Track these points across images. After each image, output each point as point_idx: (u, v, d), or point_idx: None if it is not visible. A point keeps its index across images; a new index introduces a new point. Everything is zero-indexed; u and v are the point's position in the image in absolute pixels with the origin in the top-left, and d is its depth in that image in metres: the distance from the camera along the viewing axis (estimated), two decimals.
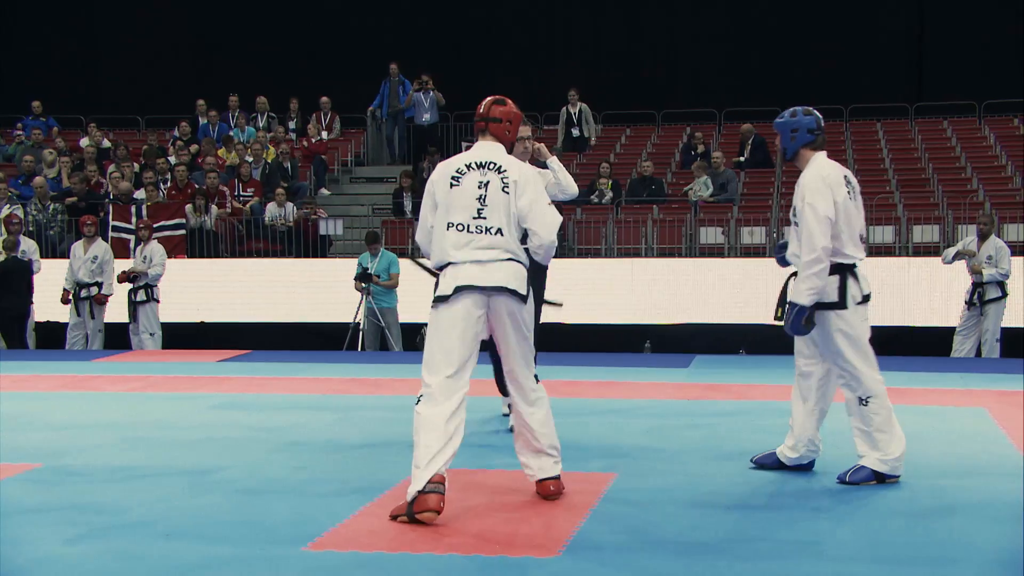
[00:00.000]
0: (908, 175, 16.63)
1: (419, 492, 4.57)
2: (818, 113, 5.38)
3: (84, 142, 18.42)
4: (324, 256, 15.14)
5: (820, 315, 5.28)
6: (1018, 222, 13.88)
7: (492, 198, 4.80)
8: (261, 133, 18.10)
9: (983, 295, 11.53)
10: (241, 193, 16.07)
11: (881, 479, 5.28)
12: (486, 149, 4.93)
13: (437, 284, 4.86)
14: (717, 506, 4.94)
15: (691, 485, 5.32)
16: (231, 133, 18.24)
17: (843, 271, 5.28)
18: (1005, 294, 11.67)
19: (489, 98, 5.07)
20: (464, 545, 4.32)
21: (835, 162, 5.38)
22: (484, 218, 4.79)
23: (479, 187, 4.81)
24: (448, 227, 4.81)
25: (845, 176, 5.31)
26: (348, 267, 13.19)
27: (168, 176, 16.13)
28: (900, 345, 12.13)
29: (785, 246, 5.48)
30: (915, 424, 7.00)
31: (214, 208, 15.32)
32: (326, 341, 13.28)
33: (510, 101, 5.07)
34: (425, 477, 4.58)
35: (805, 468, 5.56)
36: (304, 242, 15.06)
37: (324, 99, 18.92)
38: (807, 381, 5.52)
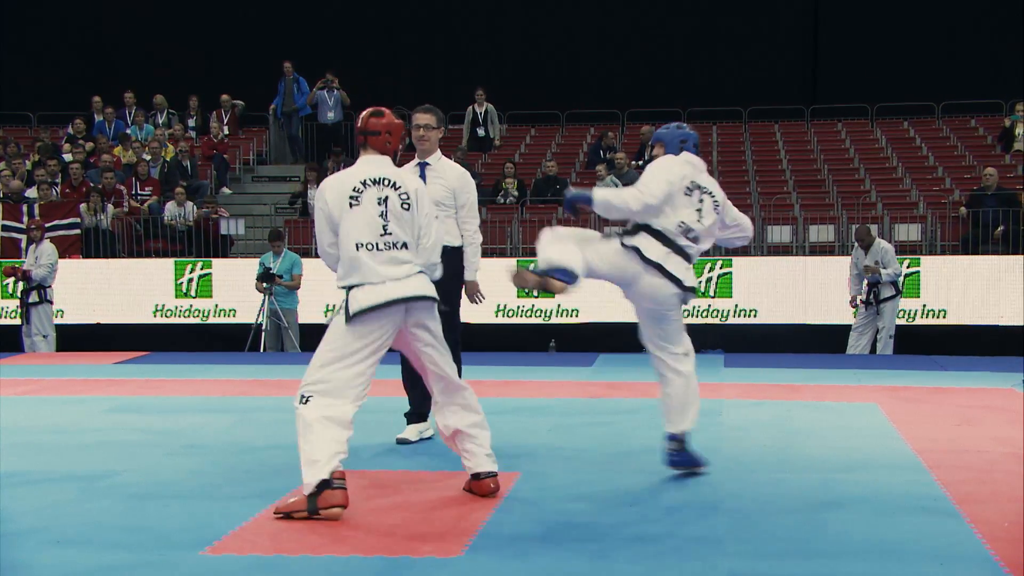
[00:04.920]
0: (804, 176, 17.04)
1: (325, 487, 4.54)
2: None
3: None
4: (225, 256, 14.91)
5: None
6: (908, 222, 14.33)
7: (393, 214, 4.81)
8: (159, 131, 17.73)
9: (878, 294, 11.87)
10: (139, 192, 15.73)
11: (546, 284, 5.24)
12: (375, 164, 4.90)
13: (348, 299, 4.78)
14: (619, 503, 4.99)
15: (593, 483, 5.36)
16: (128, 131, 17.84)
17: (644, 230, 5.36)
18: (899, 292, 12.05)
19: (366, 111, 5.02)
20: (366, 546, 4.29)
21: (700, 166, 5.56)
22: (390, 234, 4.80)
23: (379, 204, 4.80)
24: (358, 248, 4.77)
25: (693, 182, 5.42)
26: (250, 267, 13.01)
27: (61, 174, 15.70)
28: (797, 342, 12.44)
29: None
30: (809, 419, 7.19)
31: (110, 207, 14.97)
32: (228, 343, 13.08)
33: (388, 112, 5.02)
34: (328, 471, 4.56)
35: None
36: (205, 242, 14.81)
37: (225, 96, 18.62)
38: None
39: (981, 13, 20.48)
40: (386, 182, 4.85)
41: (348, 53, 20.87)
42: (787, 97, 20.30)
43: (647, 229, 5.32)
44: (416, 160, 6.66)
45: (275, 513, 4.70)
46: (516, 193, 15.62)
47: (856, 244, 12.05)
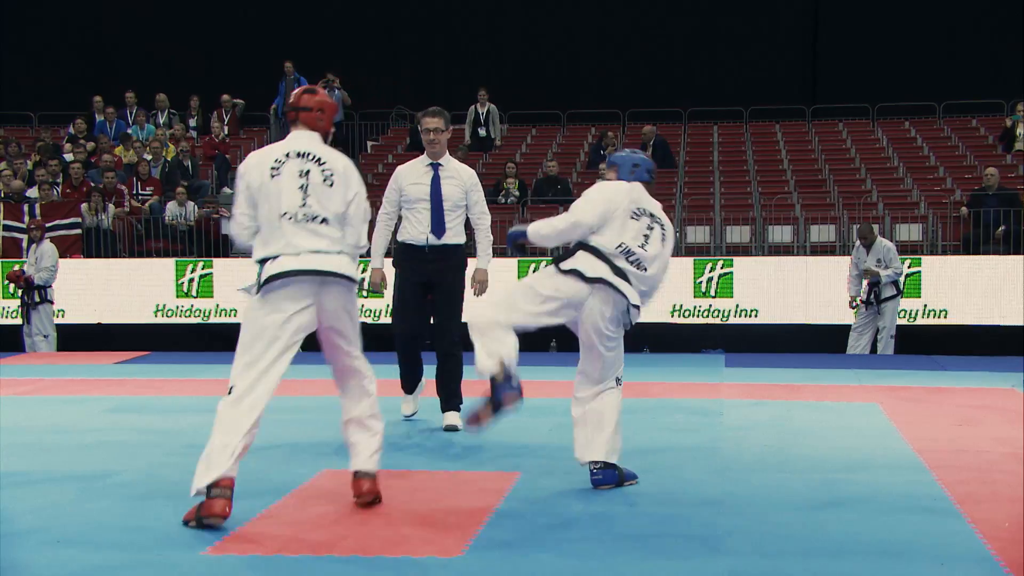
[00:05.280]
0: (805, 176, 17.03)
1: (208, 495, 4.48)
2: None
3: None
4: (226, 256, 14.90)
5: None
6: (909, 222, 14.32)
7: (314, 189, 4.72)
8: (160, 131, 17.73)
9: (879, 294, 11.86)
10: (140, 192, 15.73)
11: (496, 404, 5.12)
12: (303, 139, 4.84)
13: (261, 272, 4.69)
14: (619, 503, 4.99)
15: (592, 483, 5.35)
16: (129, 131, 17.84)
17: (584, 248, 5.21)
18: (900, 292, 12.05)
19: (299, 88, 5.01)
20: (367, 546, 4.28)
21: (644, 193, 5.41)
22: (309, 207, 4.69)
23: (300, 176, 4.72)
24: (280, 217, 4.68)
25: (646, 209, 5.30)
26: (251, 267, 12.99)
27: (63, 174, 15.71)
28: (797, 342, 12.43)
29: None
30: (810, 419, 7.19)
31: (111, 207, 14.97)
32: (228, 342, 13.06)
33: (321, 90, 5.03)
34: (214, 477, 4.49)
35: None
36: (206, 242, 14.81)
37: (225, 96, 18.62)
38: None
39: (982, 13, 20.48)
40: (310, 156, 4.77)
41: (349, 53, 20.88)
42: (788, 97, 20.30)
43: (584, 247, 5.17)
44: (428, 161, 6.88)
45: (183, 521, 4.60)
46: (517, 193, 15.62)
47: (858, 243, 12.03)
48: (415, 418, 7.21)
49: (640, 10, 21.60)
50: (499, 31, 22.13)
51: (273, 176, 4.71)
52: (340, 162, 4.84)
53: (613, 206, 5.18)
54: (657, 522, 4.66)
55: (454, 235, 6.87)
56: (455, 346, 6.93)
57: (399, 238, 6.99)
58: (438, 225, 6.81)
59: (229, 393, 4.69)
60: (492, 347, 5.05)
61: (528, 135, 19.73)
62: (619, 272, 5.15)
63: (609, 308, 5.16)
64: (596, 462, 5.23)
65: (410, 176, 6.89)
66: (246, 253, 4.85)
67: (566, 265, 5.14)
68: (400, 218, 7.01)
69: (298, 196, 4.69)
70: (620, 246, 5.17)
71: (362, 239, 4.89)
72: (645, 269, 5.21)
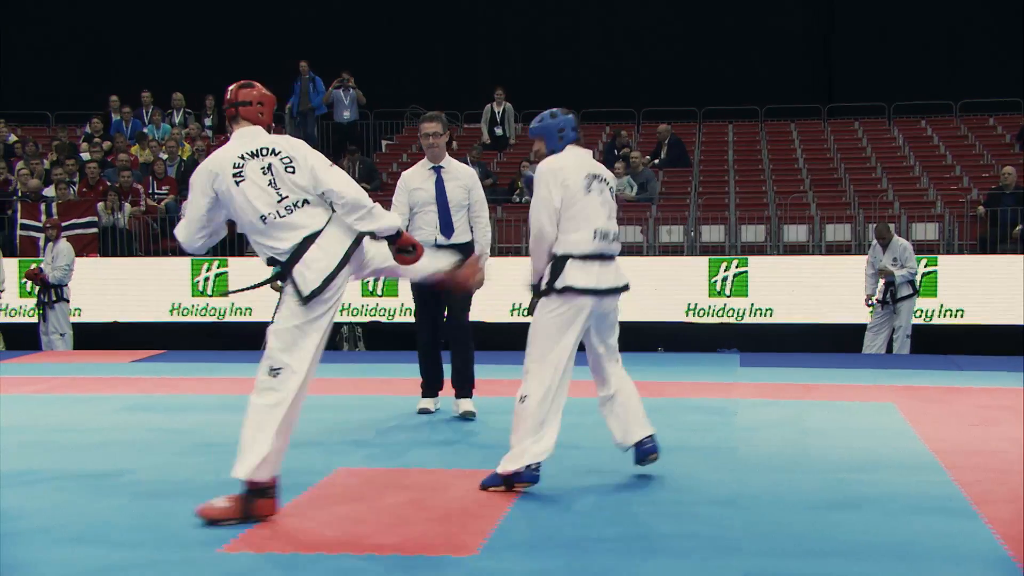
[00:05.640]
0: (821, 175, 16.97)
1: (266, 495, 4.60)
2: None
3: None
4: (242, 255, 14.94)
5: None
6: (925, 221, 14.26)
7: (281, 179, 4.67)
8: (176, 130, 17.79)
9: (895, 294, 11.81)
10: (156, 191, 15.79)
11: (509, 483, 5.09)
12: (249, 136, 4.78)
13: (291, 281, 4.64)
14: (633, 502, 4.98)
15: (607, 483, 5.35)
16: (145, 130, 17.90)
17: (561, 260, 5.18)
18: (916, 291, 11.99)
19: (235, 84, 4.92)
20: (382, 545, 4.29)
21: (588, 154, 5.36)
22: (285, 197, 4.66)
23: (264, 173, 4.67)
24: (264, 220, 4.64)
25: (592, 173, 5.23)
26: (266, 266, 13.02)
27: (79, 173, 15.78)
28: (813, 342, 12.39)
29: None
30: (825, 419, 7.16)
31: (127, 206, 15.03)
32: (244, 341, 13.10)
33: (258, 84, 4.95)
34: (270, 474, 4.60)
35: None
36: (221, 240, 14.82)
37: None
38: None
39: (998, 11, 20.36)
40: (264, 151, 4.72)
41: (363, 52, 20.91)
42: (803, 96, 20.24)
43: (568, 258, 5.11)
44: (429, 164, 7.23)
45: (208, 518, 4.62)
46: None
47: (875, 242, 11.99)
48: (431, 418, 7.21)
49: (655, 8, 21.57)
50: (514, 30, 22.13)
51: (239, 183, 4.66)
52: (289, 145, 4.78)
53: (568, 194, 5.10)
54: (671, 522, 4.65)
55: (461, 233, 7.21)
56: (467, 337, 7.32)
57: None
58: (446, 226, 7.15)
59: (271, 391, 4.70)
60: (533, 448, 5.07)
61: None
62: (603, 257, 5.17)
63: (611, 305, 5.29)
64: (646, 437, 5.35)
65: (414, 181, 7.23)
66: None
67: (560, 284, 5.10)
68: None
69: (272, 194, 4.65)
70: (596, 231, 5.15)
71: (364, 199, 4.73)
72: (616, 238, 5.26)
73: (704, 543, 4.32)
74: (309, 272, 4.60)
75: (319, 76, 18.22)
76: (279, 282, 4.79)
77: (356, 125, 18.26)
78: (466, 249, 7.11)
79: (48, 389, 8.74)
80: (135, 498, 5.09)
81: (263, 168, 4.68)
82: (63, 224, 13.56)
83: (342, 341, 13.94)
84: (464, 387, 7.29)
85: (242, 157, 4.70)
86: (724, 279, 13.30)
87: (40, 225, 14.19)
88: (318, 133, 18.52)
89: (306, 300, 4.60)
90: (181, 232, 4.91)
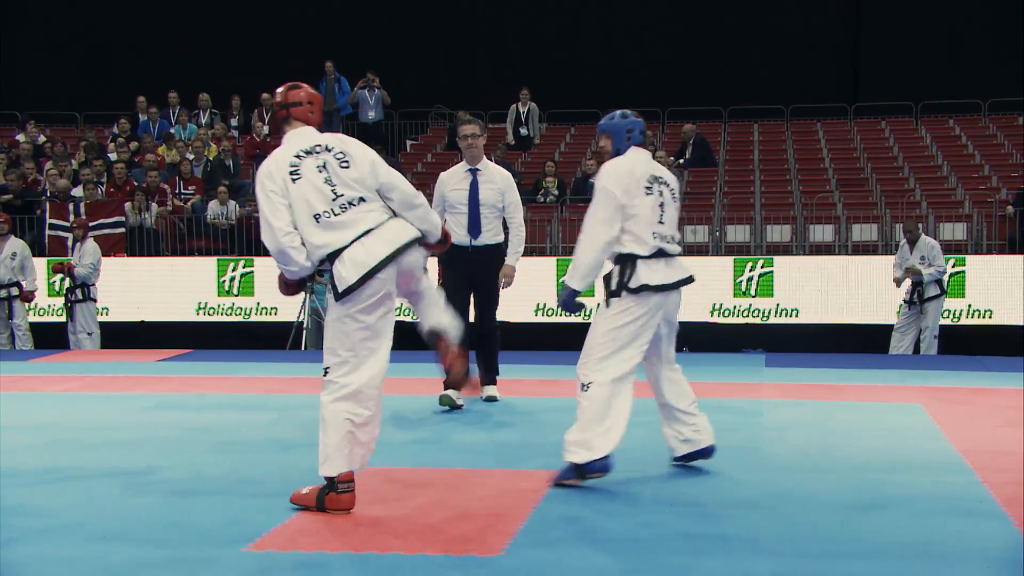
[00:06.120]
0: (847, 175, 16.88)
1: (337, 488, 4.68)
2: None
3: (20, 138, 18.10)
4: (267, 254, 15.00)
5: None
6: (953, 221, 14.15)
7: (337, 176, 4.67)
8: (202, 130, 17.89)
9: (922, 294, 11.73)
10: (182, 191, 15.89)
11: (582, 473, 5.15)
12: (302, 135, 4.80)
13: (329, 276, 4.65)
14: (657, 502, 4.97)
15: (632, 483, 5.34)
16: (172, 130, 18.02)
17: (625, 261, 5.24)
18: (944, 292, 11.90)
19: (283, 86, 4.94)
20: (407, 544, 4.30)
21: (649, 157, 5.44)
22: (342, 195, 4.65)
23: (320, 171, 4.66)
24: (317, 219, 4.63)
25: (654, 175, 5.31)
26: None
27: (107, 173, 15.91)
28: (839, 342, 12.32)
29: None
30: (852, 420, 7.12)
31: (154, 206, 15.13)
32: (269, 341, 13.18)
33: (305, 84, 4.97)
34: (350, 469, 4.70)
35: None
36: (247, 240, 14.92)
37: (265, 95, 18.76)
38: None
39: None
40: (318, 148, 4.73)
41: (388, 52, 20.97)
42: (829, 95, 20.13)
43: (636, 257, 5.18)
44: (467, 166, 7.55)
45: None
46: (556, 192, 15.61)
47: (903, 241, 11.92)
48: (455, 417, 7.22)
49: (680, 8, 21.51)
50: (538, 29, 22.12)
51: (296, 181, 4.65)
52: (341, 140, 4.82)
53: (627, 197, 5.17)
54: (697, 522, 4.64)
55: (492, 235, 7.52)
56: (494, 328, 7.69)
57: None
58: (474, 227, 7.43)
59: (337, 389, 4.67)
60: (601, 439, 5.11)
61: (567, 134, 19.71)
62: (667, 255, 5.27)
63: (676, 302, 5.40)
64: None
65: (451, 182, 7.54)
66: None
67: (634, 283, 5.17)
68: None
69: (327, 191, 4.64)
70: (655, 235, 5.24)
71: (432, 216, 4.85)
72: (674, 240, 5.36)
73: (729, 543, 4.30)
74: (346, 268, 4.59)
75: (344, 76, 18.29)
76: (319, 277, 4.83)
77: (381, 125, 18.32)
78: (496, 251, 7.47)
79: (76, 388, 8.81)
80: (164, 496, 5.12)
81: (319, 166, 4.68)
82: (91, 224, 13.67)
83: None
84: (489, 374, 7.70)
85: (298, 156, 4.71)
86: (749, 279, 13.25)
87: (68, 225, 14.31)
88: (343, 133, 18.56)
89: (339, 296, 4.60)
90: (272, 240, 4.76)
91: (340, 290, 4.58)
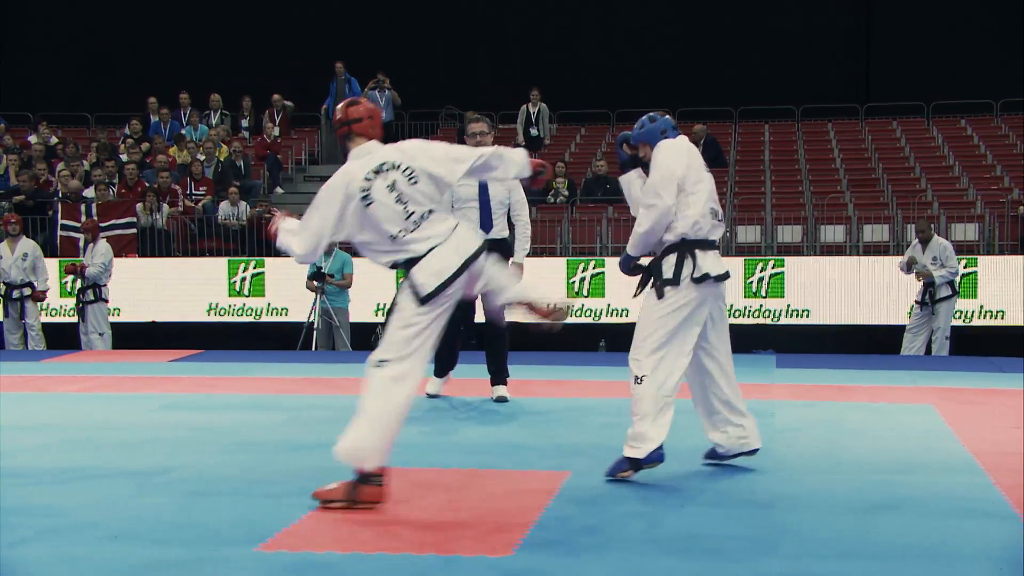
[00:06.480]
0: (858, 175, 16.84)
1: (374, 482, 4.75)
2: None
3: (32, 139, 18.17)
4: (278, 255, 15.03)
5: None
6: (964, 222, 14.11)
7: (407, 194, 4.82)
8: (213, 131, 17.94)
9: (934, 295, 11.69)
10: (193, 192, 15.94)
11: (636, 466, 5.27)
12: (368, 153, 4.93)
13: (409, 282, 4.82)
14: (669, 504, 4.97)
15: (644, 483, 5.33)
16: (183, 131, 18.07)
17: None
18: (955, 292, 11.86)
19: (341, 104, 5.10)
20: (417, 544, 4.30)
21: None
22: (413, 212, 4.82)
23: (391, 190, 4.82)
24: (393, 239, 4.84)
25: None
26: (302, 266, 13.11)
27: (118, 174, 15.96)
28: (850, 343, 12.30)
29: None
30: (863, 421, 7.10)
31: (165, 207, 15.18)
32: (280, 341, 13.20)
33: (363, 99, 5.20)
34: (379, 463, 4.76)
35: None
36: (258, 241, 14.96)
37: (276, 96, 18.81)
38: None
39: None
40: (385, 167, 4.85)
41: (398, 53, 20.98)
42: (840, 95, 20.08)
43: (694, 244, 5.22)
44: None
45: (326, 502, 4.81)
46: (566, 193, 15.60)
47: (915, 241, 11.88)
48: (465, 417, 7.23)
49: (691, 7, 21.47)
50: (548, 30, 22.11)
51: (368, 205, 4.81)
52: (404, 154, 4.91)
53: (681, 172, 5.24)
54: (708, 523, 4.63)
55: (500, 230, 7.59)
56: (504, 336, 7.79)
57: None
58: (486, 221, 7.50)
59: (390, 376, 4.82)
60: (653, 431, 5.22)
61: (577, 134, 19.70)
62: (713, 244, 5.31)
63: (722, 290, 5.40)
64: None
65: None
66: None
67: (697, 274, 5.20)
68: None
69: (399, 211, 4.81)
70: (712, 210, 5.30)
71: (479, 153, 5.02)
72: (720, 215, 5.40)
73: (741, 544, 4.30)
74: (424, 276, 4.79)
75: (354, 77, 18.32)
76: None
77: (391, 126, 18.33)
78: (502, 245, 7.45)
79: (88, 388, 8.84)
80: (175, 496, 5.13)
81: (388, 186, 4.83)
82: (102, 225, 13.72)
83: (376, 341, 13.96)
84: (499, 375, 7.79)
85: (367, 178, 4.84)
86: (760, 280, 13.23)
87: (80, 225, 14.36)
88: None
89: (423, 301, 4.78)
90: (301, 245, 4.95)
91: (421, 296, 4.78)
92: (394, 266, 4.92)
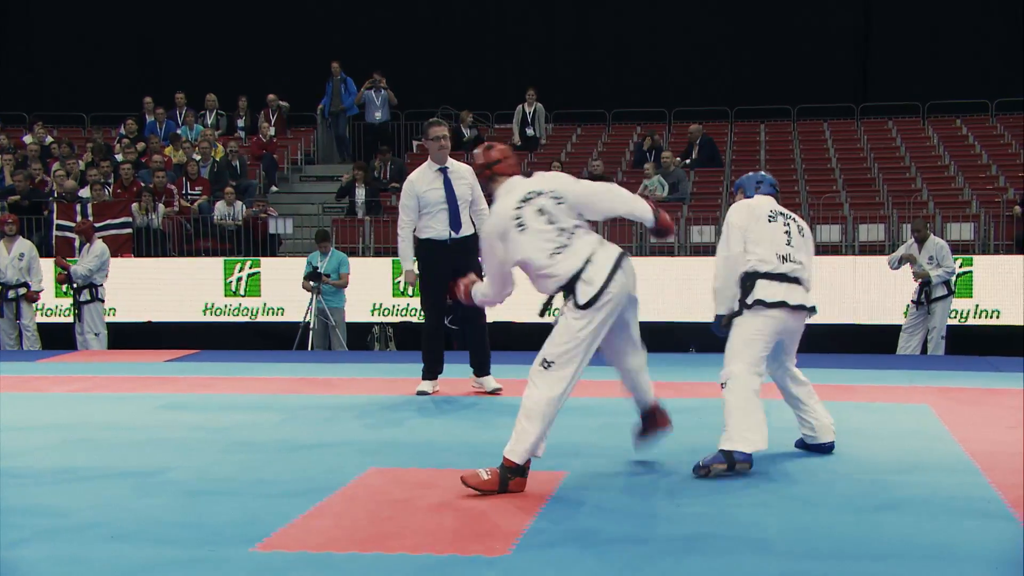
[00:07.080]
0: (854, 175, 16.87)
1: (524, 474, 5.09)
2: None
3: (28, 139, 18.15)
4: (273, 255, 15.04)
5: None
6: (960, 221, 14.13)
7: (555, 216, 5.22)
8: (209, 131, 17.93)
9: (930, 294, 11.71)
10: (189, 192, 15.92)
11: (731, 464, 5.47)
12: (512, 186, 5.37)
13: (572, 293, 5.14)
14: (666, 503, 4.97)
15: (640, 483, 5.34)
16: (179, 131, 18.06)
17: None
18: (951, 292, 11.87)
19: (476, 150, 5.57)
20: (414, 544, 4.30)
21: (774, 202, 5.97)
22: (564, 230, 5.20)
23: (540, 214, 5.21)
24: (550, 256, 5.18)
25: (778, 211, 5.88)
26: (298, 266, 13.12)
27: (114, 174, 15.94)
28: (846, 343, 12.31)
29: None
30: (860, 420, 7.11)
31: (161, 207, 15.17)
32: (276, 341, 13.20)
33: (496, 143, 5.62)
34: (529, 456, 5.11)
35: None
36: (253, 241, 14.96)
37: (271, 96, 18.80)
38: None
39: None
40: (532, 195, 5.26)
41: (395, 53, 20.97)
42: (837, 95, 20.10)
43: (754, 276, 5.64)
44: (435, 166, 7.86)
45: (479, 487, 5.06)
46: None
47: (911, 240, 11.89)
48: (463, 418, 7.24)
49: (686, 8, 21.48)
50: (545, 30, 22.12)
51: (522, 230, 5.20)
52: (550, 182, 5.34)
53: (751, 224, 5.71)
54: (706, 522, 4.64)
55: (467, 227, 7.84)
56: (481, 317, 7.85)
57: (420, 236, 7.91)
58: (455, 222, 7.76)
59: (552, 381, 5.17)
60: (750, 434, 5.54)
61: (573, 134, 19.70)
62: (789, 279, 5.69)
63: (795, 322, 5.83)
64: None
65: (423, 183, 7.85)
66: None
67: (749, 299, 5.65)
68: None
69: (550, 233, 5.18)
70: (777, 255, 5.69)
71: (625, 196, 5.40)
72: (801, 263, 5.77)
73: (739, 544, 4.30)
74: (585, 285, 5.13)
75: (350, 77, 18.31)
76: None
77: (387, 125, 18.34)
78: (472, 240, 7.65)
79: (85, 388, 8.83)
80: (172, 496, 5.13)
81: (538, 210, 5.23)
82: (98, 225, 13.70)
83: (373, 341, 14.00)
84: (484, 367, 7.88)
85: (518, 207, 5.25)
86: None
87: (73, 226, 14.35)
88: (349, 134, 18.61)
89: (584, 307, 5.12)
90: (492, 288, 5.50)
91: (583, 302, 5.12)
92: (560, 288, 5.21)
